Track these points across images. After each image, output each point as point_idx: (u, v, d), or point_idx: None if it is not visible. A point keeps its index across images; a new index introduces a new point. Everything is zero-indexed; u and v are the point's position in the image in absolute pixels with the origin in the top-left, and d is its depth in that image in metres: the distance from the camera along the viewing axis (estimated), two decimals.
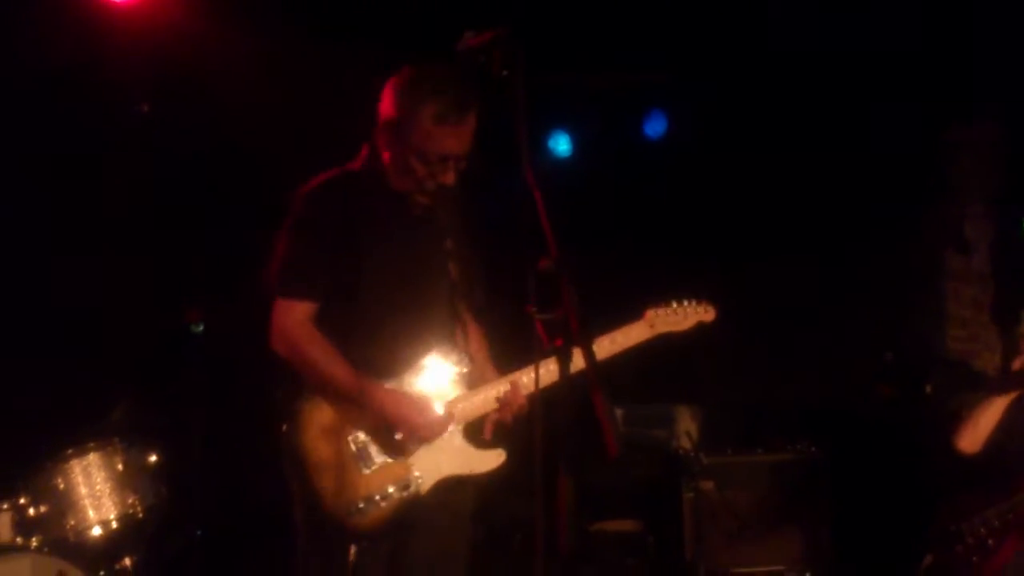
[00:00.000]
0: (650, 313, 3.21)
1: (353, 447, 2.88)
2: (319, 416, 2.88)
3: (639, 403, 5.44)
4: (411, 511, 2.88)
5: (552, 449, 2.38)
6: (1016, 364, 3.72)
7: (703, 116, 5.85)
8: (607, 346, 3.08)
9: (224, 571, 4.69)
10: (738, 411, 5.60)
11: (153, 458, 3.96)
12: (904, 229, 5.63)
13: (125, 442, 3.91)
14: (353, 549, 2.81)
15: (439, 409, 2.95)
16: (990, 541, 3.59)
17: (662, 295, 3.28)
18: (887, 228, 5.59)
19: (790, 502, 4.83)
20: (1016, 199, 5.45)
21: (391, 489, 2.86)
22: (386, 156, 2.97)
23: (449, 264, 3.02)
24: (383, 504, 2.85)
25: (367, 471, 2.87)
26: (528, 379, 2.88)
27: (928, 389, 5.23)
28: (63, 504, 3.72)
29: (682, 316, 3.25)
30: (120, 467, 3.84)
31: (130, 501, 3.83)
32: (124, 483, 3.83)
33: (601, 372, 2.41)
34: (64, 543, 3.67)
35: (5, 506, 3.66)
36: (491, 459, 2.98)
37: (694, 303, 3.28)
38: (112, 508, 3.77)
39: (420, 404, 2.92)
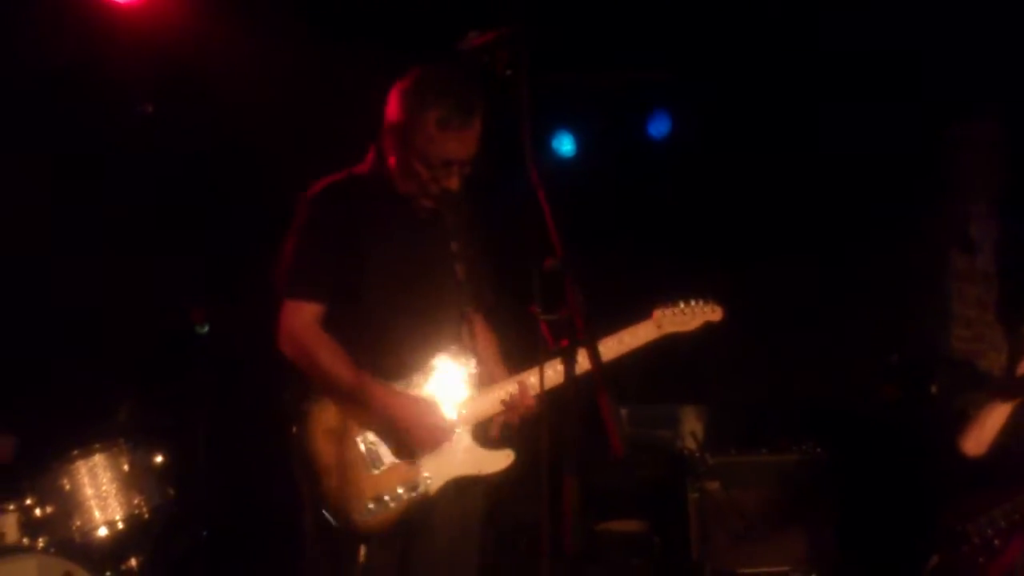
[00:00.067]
0: (657, 313, 3.22)
1: (362, 448, 2.88)
2: (328, 417, 2.89)
3: (644, 403, 5.44)
4: (420, 512, 2.89)
5: (558, 450, 2.38)
6: (1021, 369, 3.72)
7: (707, 116, 5.84)
8: (615, 346, 3.09)
9: (230, 571, 4.69)
10: (743, 411, 5.59)
11: (159, 459, 3.97)
12: (908, 229, 5.61)
13: (131, 443, 3.92)
14: (363, 550, 2.82)
15: (446, 412, 2.95)
16: (996, 542, 3.58)
17: (666, 294, 3.28)
18: (891, 228, 5.57)
19: (795, 502, 4.82)
20: (1021, 198, 5.43)
21: (400, 490, 2.87)
22: (391, 160, 2.98)
23: (455, 265, 3.03)
24: (392, 505, 2.85)
25: (376, 472, 2.87)
26: (535, 380, 2.88)
27: (933, 389, 5.22)
28: (69, 505, 3.73)
29: (689, 316, 3.25)
30: (126, 468, 3.86)
31: (136, 502, 3.84)
32: (130, 484, 3.84)
33: (606, 372, 2.41)
34: (70, 544, 3.69)
35: (12, 507, 3.67)
36: (499, 460, 2.98)
37: (701, 303, 3.28)
38: (118, 509, 3.79)
39: (427, 407, 2.92)
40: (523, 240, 2.46)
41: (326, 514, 2.83)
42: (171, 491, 3.99)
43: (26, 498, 3.70)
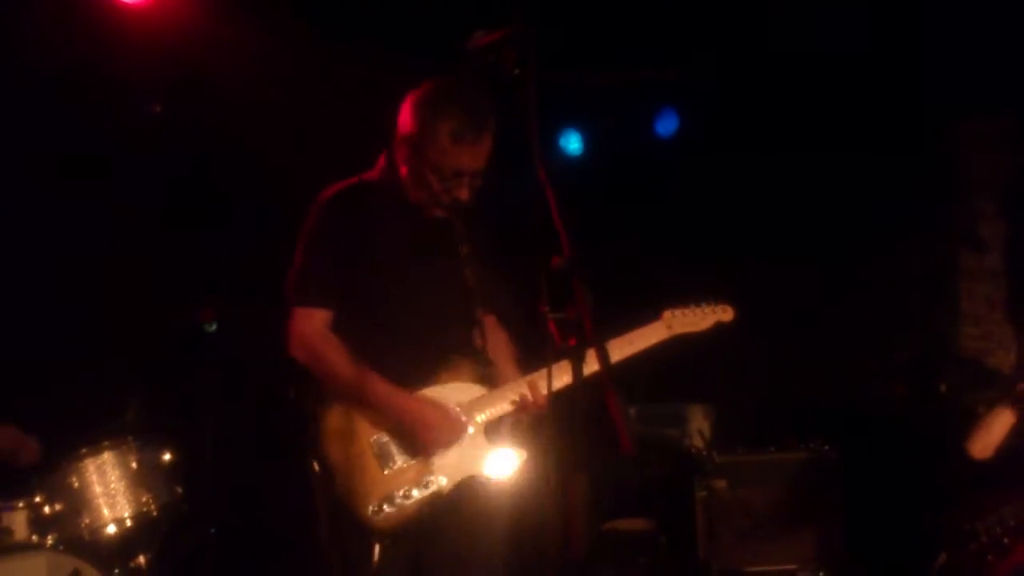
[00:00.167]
0: (667, 314, 3.22)
1: (374, 448, 2.90)
2: (340, 419, 2.91)
3: (652, 402, 5.44)
4: (433, 511, 2.91)
5: (565, 448, 2.38)
6: None
7: (714, 114, 5.83)
8: (624, 347, 3.10)
9: (238, 569, 4.70)
10: (750, 410, 5.59)
11: (167, 457, 3.98)
12: (917, 228, 5.60)
13: (139, 441, 3.93)
14: (377, 549, 2.83)
15: (457, 413, 2.96)
16: (1006, 540, 3.58)
17: (674, 293, 3.28)
18: (901, 227, 5.57)
19: (803, 501, 4.81)
20: None
21: (413, 490, 2.88)
22: (403, 169, 3.00)
23: (465, 269, 3.03)
24: (405, 504, 2.87)
25: (388, 472, 2.89)
26: (545, 380, 2.88)
27: (942, 387, 5.21)
28: (78, 502, 3.74)
29: (700, 317, 3.25)
30: (134, 465, 3.86)
31: (144, 499, 3.85)
32: (138, 481, 3.85)
33: (614, 371, 2.41)
34: (79, 541, 3.69)
35: (21, 504, 3.68)
36: (512, 459, 2.99)
37: (712, 303, 3.28)
38: (126, 506, 3.80)
39: (438, 408, 2.94)
40: (531, 239, 2.46)
41: (339, 513, 2.85)
42: (179, 489, 4.00)
43: (35, 496, 3.70)
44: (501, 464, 2.99)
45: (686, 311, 3.24)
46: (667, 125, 6.11)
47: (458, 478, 2.94)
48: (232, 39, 4.74)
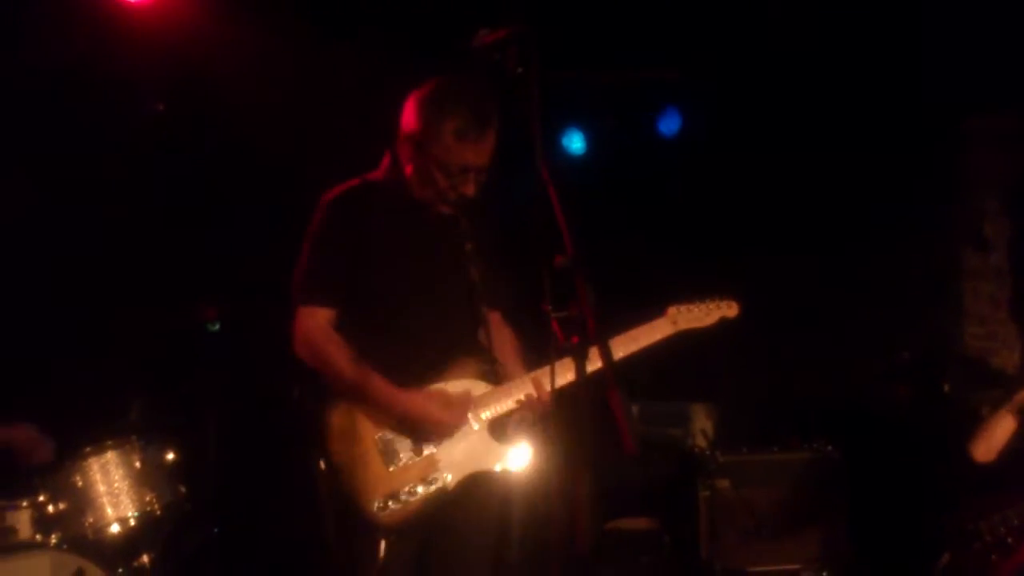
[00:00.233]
0: (672, 310, 3.22)
1: (380, 445, 2.92)
2: (346, 415, 2.92)
3: (655, 401, 5.43)
4: (438, 507, 2.92)
5: (569, 447, 2.38)
6: None
7: (717, 113, 5.83)
8: (629, 344, 3.10)
9: (241, 569, 4.71)
10: (754, 409, 5.58)
11: (171, 456, 3.98)
12: (921, 227, 5.60)
13: (143, 440, 3.93)
14: (382, 545, 2.84)
15: (458, 403, 2.97)
16: (1009, 539, 3.57)
17: (676, 292, 3.28)
18: (905, 226, 5.56)
19: (806, 500, 4.81)
20: None
21: (418, 486, 2.90)
22: (408, 167, 3.01)
23: (470, 266, 3.04)
24: (411, 500, 2.88)
25: (393, 468, 2.90)
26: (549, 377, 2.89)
27: (946, 387, 5.20)
28: (82, 502, 3.74)
29: (705, 312, 3.25)
30: (138, 465, 3.87)
31: (148, 499, 3.85)
32: (142, 481, 3.85)
33: (618, 370, 2.41)
34: (83, 540, 3.70)
35: (25, 503, 3.68)
36: (517, 455, 3.00)
37: (717, 299, 3.28)
38: (130, 505, 3.80)
39: (440, 397, 2.95)
40: (533, 238, 2.46)
41: (344, 510, 2.86)
42: (183, 488, 4.00)
43: (39, 495, 3.71)
44: (506, 460, 3.00)
45: (691, 307, 3.24)
46: (670, 124, 6.10)
47: (463, 474, 2.95)
48: (234, 39, 4.75)
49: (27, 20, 4.50)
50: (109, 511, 3.77)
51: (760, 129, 5.65)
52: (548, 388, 2.91)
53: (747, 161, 5.66)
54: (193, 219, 4.99)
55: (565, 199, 2.46)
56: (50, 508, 3.68)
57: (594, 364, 2.46)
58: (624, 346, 3.08)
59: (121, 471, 3.82)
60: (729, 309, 3.30)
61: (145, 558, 3.84)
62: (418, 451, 2.93)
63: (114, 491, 3.79)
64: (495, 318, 3.14)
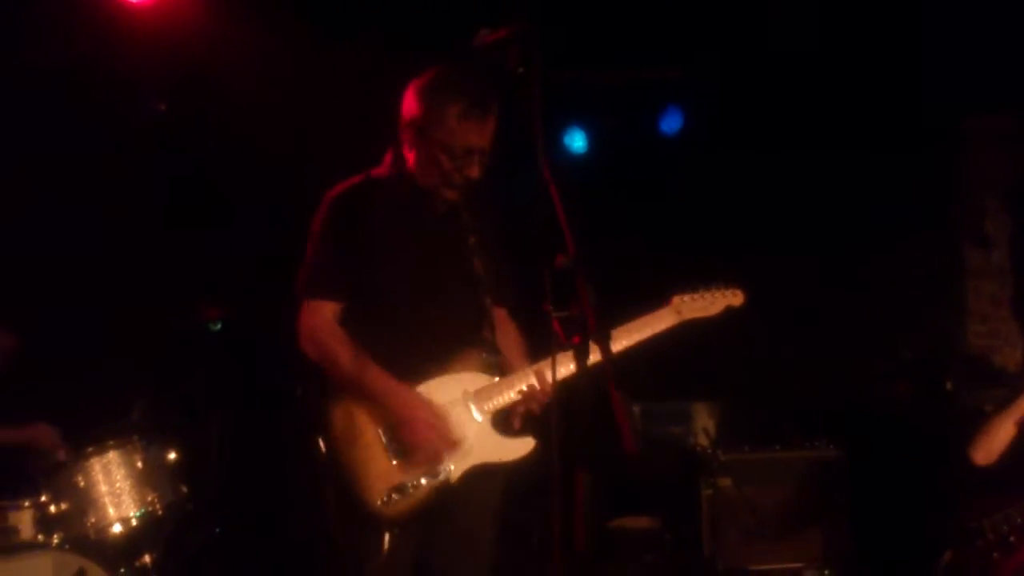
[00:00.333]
0: (676, 299, 3.19)
1: (383, 439, 2.92)
2: (350, 409, 2.93)
3: (657, 400, 5.43)
4: (442, 499, 2.92)
5: (570, 446, 2.38)
6: None
7: (719, 112, 5.83)
8: (634, 333, 3.07)
9: (243, 568, 4.71)
10: (756, 408, 5.58)
11: (172, 456, 3.99)
12: (923, 225, 5.59)
13: (144, 440, 3.94)
14: (387, 537, 2.85)
15: (460, 407, 2.97)
16: (1012, 538, 3.57)
17: (679, 289, 3.26)
18: (907, 224, 5.56)
19: (809, 499, 4.81)
20: None
21: (422, 478, 2.90)
22: (411, 156, 3.03)
23: (474, 259, 3.04)
24: (415, 493, 2.89)
25: (397, 461, 2.90)
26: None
27: (948, 386, 5.20)
28: (84, 502, 3.75)
29: (709, 301, 3.22)
30: (140, 465, 3.88)
31: (150, 498, 3.86)
32: (144, 481, 3.86)
33: (618, 367, 2.41)
34: (85, 540, 3.71)
35: (27, 503, 3.69)
36: (520, 447, 3.00)
37: (722, 288, 3.25)
38: (132, 505, 3.81)
39: (433, 413, 2.94)
40: (535, 237, 2.46)
41: (348, 504, 2.87)
42: (184, 488, 4.01)
43: (41, 495, 3.72)
44: (509, 453, 2.99)
45: (695, 296, 3.20)
46: (671, 123, 6.10)
47: (466, 466, 2.95)
48: (235, 39, 4.75)
49: (28, 20, 4.50)
50: (111, 511, 3.78)
51: (761, 129, 5.65)
52: (549, 379, 2.91)
53: (748, 160, 5.66)
54: (194, 219, 4.99)
55: (567, 198, 2.46)
56: (52, 508, 3.69)
57: (596, 357, 2.46)
58: (628, 336, 3.05)
59: (123, 471, 3.83)
60: (735, 298, 3.26)
61: (147, 558, 3.85)
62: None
63: (116, 491, 3.80)
64: (500, 314, 3.14)
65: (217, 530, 4.36)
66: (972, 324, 5.59)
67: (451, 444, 2.93)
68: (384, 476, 2.88)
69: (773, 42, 5.30)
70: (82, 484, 3.75)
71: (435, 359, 2.99)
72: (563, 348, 2.48)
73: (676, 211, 5.90)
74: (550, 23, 2.84)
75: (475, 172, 2.98)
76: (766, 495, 4.81)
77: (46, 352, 4.41)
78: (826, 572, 4.75)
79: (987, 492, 3.70)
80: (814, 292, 5.60)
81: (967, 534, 3.65)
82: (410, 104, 3.01)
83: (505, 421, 3.02)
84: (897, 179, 5.51)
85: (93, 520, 3.74)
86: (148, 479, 3.88)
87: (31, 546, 3.61)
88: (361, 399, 2.92)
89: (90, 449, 3.83)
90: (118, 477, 3.82)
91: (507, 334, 3.14)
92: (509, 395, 3.00)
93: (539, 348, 2.96)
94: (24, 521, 3.66)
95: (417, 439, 2.90)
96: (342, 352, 2.93)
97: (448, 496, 2.93)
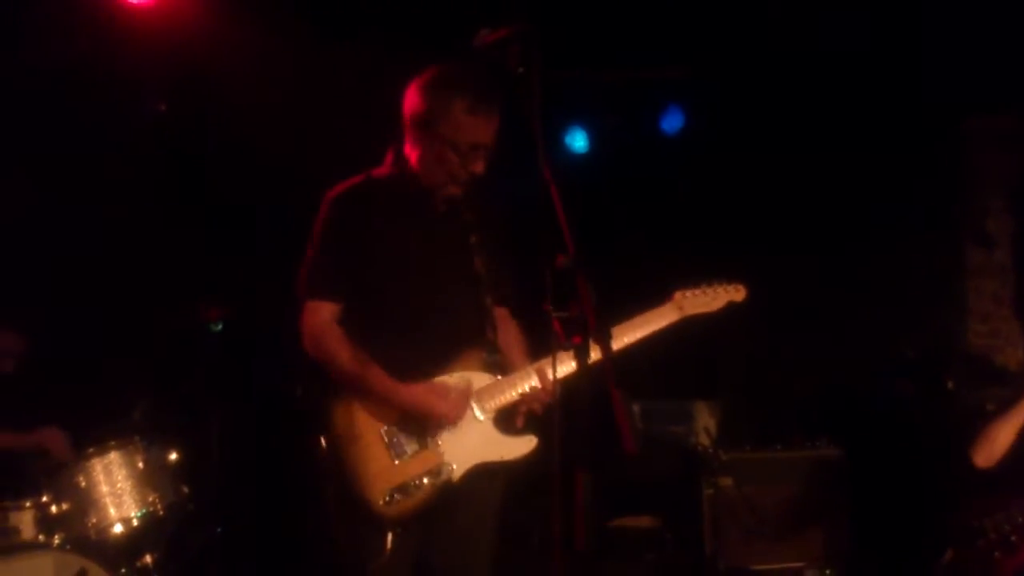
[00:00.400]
0: (678, 295, 3.18)
1: (385, 438, 2.93)
2: (351, 409, 2.93)
3: (657, 399, 5.43)
4: (443, 499, 2.93)
5: (571, 446, 2.38)
6: None
7: (720, 112, 5.82)
8: (635, 330, 3.07)
9: (244, 569, 4.71)
10: (757, 407, 5.58)
11: (173, 456, 3.99)
12: (924, 224, 5.59)
13: (146, 440, 3.94)
14: (389, 537, 2.85)
15: (458, 393, 2.98)
16: (1013, 538, 3.56)
17: (681, 284, 3.25)
18: (908, 224, 5.55)
19: (810, 498, 4.81)
20: None
21: (424, 478, 2.91)
22: (415, 154, 3.03)
23: (475, 259, 3.04)
24: (416, 492, 2.89)
25: (399, 461, 2.91)
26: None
27: (949, 384, 5.20)
28: (85, 502, 3.75)
29: (711, 297, 3.21)
30: (141, 465, 3.88)
31: (151, 499, 3.86)
32: (145, 481, 3.86)
33: (619, 366, 2.41)
34: (86, 540, 3.71)
35: (28, 504, 3.70)
36: (522, 445, 3.00)
37: (724, 283, 3.24)
38: (133, 506, 3.81)
39: (440, 389, 2.96)
40: (535, 237, 2.46)
41: (351, 504, 2.87)
42: (185, 488, 4.01)
43: (42, 495, 3.72)
44: (511, 451, 3.00)
45: (697, 291, 3.19)
46: (672, 123, 6.09)
47: (468, 465, 2.96)
48: (235, 39, 4.75)
49: (29, 20, 4.51)
50: (112, 511, 3.78)
51: (762, 128, 5.64)
52: (552, 381, 2.91)
53: (749, 160, 5.66)
54: (194, 219, 4.99)
55: (568, 198, 2.46)
56: (53, 508, 3.69)
57: (597, 355, 2.46)
58: (630, 332, 3.05)
59: (124, 471, 3.83)
60: (736, 293, 3.25)
61: (148, 558, 3.85)
62: (423, 443, 2.94)
63: (117, 491, 3.80)
64: (502, 313, 3.15)
65: (218, 530, 4.36)
66: (973, 323, 5.59)
67: (463, 404, 2.93)
68: (386, 476, 2.88)
69: (774, 41, 5.30)
70: (83, 484, 3.76)
71: (436, 359, 3.00)
72: (563, 348, 2.48)
73: (677, 211, 5.90)
74: (550, 22, 2.84)
75: (480, 168, 2.98)
76: (767, 494, 4.81)
77: (49, 353, 4.41)
78: (827, 571, 4.75)
79: (988, 491, 3.69)
80: (814, 292, 5.60)
81: (968, 533, 3.64)
82: (414, 101, 3.00)
83: (507, 420, 3.03)
84: (898, 179, 5.51)
85: (94, 520, 3.74)
86: (149, 479, 3.88)
87: (32, 546, 3.61)
88: (363, 399, 2.93)
89: (91, 449, 3.83)
90: (119, 477, 3.82)
91: (508, 333, 3.14)
92: (511, 394, 3.00)
93: (540, 348, 2.96)
94: (25, 521, 3.67)
95: (430, 418, 2.91)
96: (342, 352, 2.94)
97: (450, 496, 2.94)
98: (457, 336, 3.02)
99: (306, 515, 4.32)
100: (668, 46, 5.34)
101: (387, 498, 2.86)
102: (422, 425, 2.94)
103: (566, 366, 2.66)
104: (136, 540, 3.83)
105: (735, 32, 5.28)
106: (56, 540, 3.64)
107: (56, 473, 3.78)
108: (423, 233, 3.05)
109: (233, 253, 4.96)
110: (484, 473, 2.98)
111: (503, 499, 3.10)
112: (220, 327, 4.47)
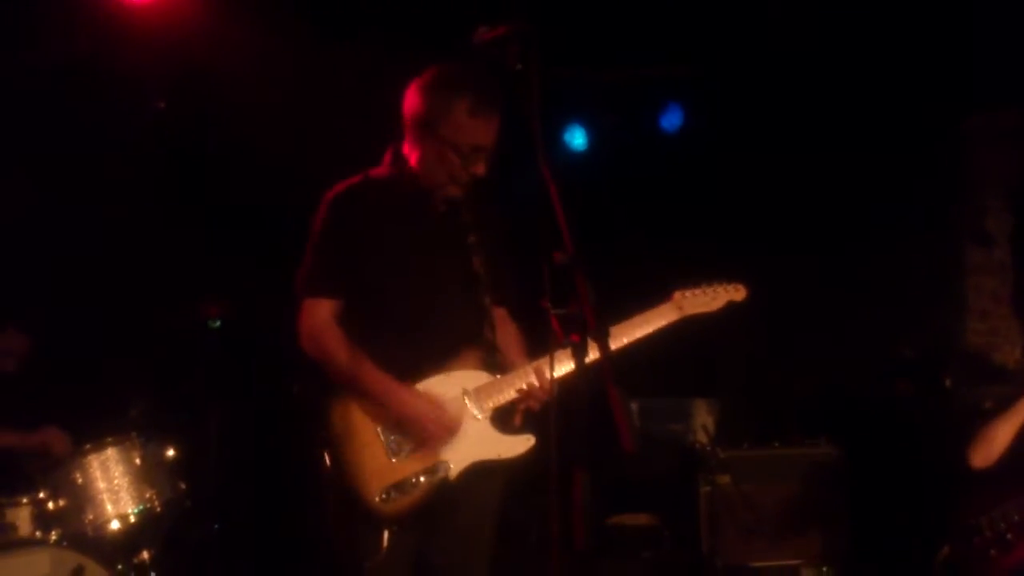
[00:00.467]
0: (677, 295, 3.18)
1: (382, 436, 2.93)
2: (348, 407, 2.94)
3: (656, 397, 5.43)
4: (440, 497, 2.93)
5: (569, 444, 2.38)
6: None
7: (719, 110, 5.82)
8: (634, 330, 3.07)
9: (241, 565, 4.72)
10: (755, 405, 5.58)
11: (171, 452, 3.99)
12: (923, 223, 5.59)
13: (143, 437, 3.95)
14: (386, 535, 2.86)
15: (454, 403, 2.98)
16: (1009, 536, 3.57)
17: (680, 284, 3.25)
18: (906, 222, 5.55)
19: (807, 496, 4.81)
20: None
21: (421, 476, 2.91)
22: (414, 155, 3.03)
23: (473, 258, 3.04)
24: (413, 491, 2.90)
25: (396, 460, 2.91)
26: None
27: (947, 382, 5.20)
28: (82, 498, 3.76)
29: (711, 296, 3.20)
30: (138, 461, 3.88)
31: (148, 495, 3.86)
32: (142, 477, 3.86)
33: (617, 365, 2.41)
34: (83, 537, 3.71)
35: (25, 500, 3.70)
36: (519, 444, 3.01)
37: (724, 283, 3.24)
38: (130, 502, 3.81)
39: (434, 405, 2.96)
40: (534, 235, 2.46)
41: (347, 502, 2.88)
42: (183, 485, 4.01)
43: (39, 491, 3.72)
44: (508, 450, 3.00)
45: (697, 291, 3.18)
46: (672, 121, 6.09)
47: (465, 464, 2.96)
48: (234, 38, 4.75)
49: (28, 19, 4.50)
50: (109, 508, 3.78)
51: (761, 127, 5.64)
52: (549, 379, 2.91)
53: (748, 159, 5.66)
54: (193, 218, 4.99)
55: (566, 196, 2.46)
56: (50, 505, 3.69)
57: (595, 354, 2.46)
58: (629, 332, 3.05)
59: (121, 468, 3.84)
60: (736, 292, 3.24)
61: (145, 555, 3.85)
62: (418, 445, 2.94)
63: (114, 488, 3.80)
64: (501, 314, 3.15)
65: (215, 527, 4.36)
66: (972, 321, 5.59)
67: (453, 430, 2.93)
68: (382, 474, 2.89)
69: (774, 40, 5.30)
70: (80, 481, 3.76)
71: (434, 358, 3.00)
72: (562, 346, 2.48)
73: (676, 209, 5.90)
74: (549, 20, 2.84)
75: (481, 169, 2.98)
76: (765, 492, 4.82)
77: (50, 353, 4.41)
78: (824, 569, 4.76)
79: (985, 489, 3.70)
80: (813, 290, 5.60)
81: (965, 531, 3.65)
82: (414, 101, 3.00)
83: (504, 419, 3.03)
84: (898, 179, 5.51)
85: (91, 517, 3.74)
86: (146, 476, 3.88)
87: (29, 543, 3.61)
88: (360, 398, 2.93)
89: (88, 446, 3.83)
90: (116, 474, 3.82)
91: (507, 333, 3.14)
92: (508, 393, 3.00)
93: (539, 347, 2.96)
94: (22, 518, 3.67)
95: (420, 431, 2.91)
96: (340, 351, 2.94)
97: (448, 494, 2.94)
98: (455, 336, 3.02)
99: (303, 512, 4.32)
100: (668, 44, 5.34)
101: (383, 496, 2.86)
102: (407, 432, 2.93)
103: (564, 367, 2.67)
104: (133, 536, 3.83)
105: (735, 31, 5.28)
106: (53, 536, 3.64)
107: (53, 469, 3.78)
108: (422, 233, 3.05)
109: (232, 251, 4.95)
110: (483, 472, 2.98)
111: (503, 499, 3.10)
112: (218, 324, 4.48)
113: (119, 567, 3.70)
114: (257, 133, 4.90)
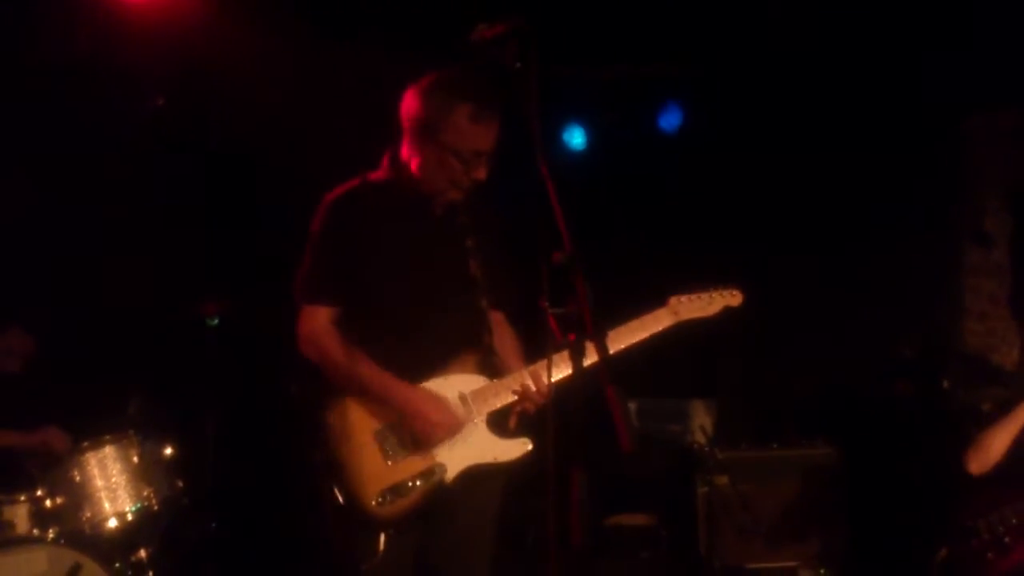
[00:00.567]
0: (674, 300, 3.18)
1: (379, 439, 2.93)
2: (345, 410, 2.94)
3: (653, 397, 5.43)
4: (437, 500, 2.94)
5: (566, 444, 2.38)
6: None
7: (718, 110, 5.82)
8: (631, 335, 3.07)
9: (239, 563, 4.71)
10: (753, 406, 5.58)
11: (168, 451, 4.00)
12: (921, 223, 5.59)
13: (140, 435, 3.95)
14: (382, 538, 2.86)
15: (456, 406, 2.98)
16: (1006, 538, 3.57)
17: (675, 289, 3.25)
18: (905, 223, 5.55)
19: (805, 497, 4.81)
20: None
21: (417, 479, 2.92)
22: (414, 159, 3.02)
23: (470, 262, 3.04)
24: (410, 494, 2.90)
25: (392, 463, 2.92)
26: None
27: (945, 384, 5.20)
28: (79, 496, 3.76)
29: (707, 302, 3.20)
30: (135, 460, 3.88)
31: (145, 493, 3.86)
32: (139, 475, 3.87)
33: (615, 365, 2.41)
34: (80, 535, 3.71)
35: (22, 498, 3.70)
36: (515, 448, 3.01)
37: (720, 288, 3.24)
38: (128, 500, 3.82)
39: (438, 402, 2.96)
40: (532, 234, 2.46)
41: (344, 504, 2.88)
42: (180, 483, 4.02)
43: (37, 489, 3.73)
44: (504, 454, 3.00)
45: (692, 297, 3.19)
46: (671, 120, 6.09)
47: (461, 467, 2.96)
48: (234, 38, 4.74)
49: (28, 18, 4.50)
50: (107, 506, 3.79)
51: (761, 127, 5.64)
52: (546, 381, 2.91)
53: (747, 159, 5.66)
54: (192, 215, 4.99)
55: (565, 195, 2.46)
56: (48, 503, 3.70)
57: (592, 358, 2.46)
58: (625, 337, 3.05)
59: (119, 466, 3.84)
60: (732, 298, 3.24)
61: (143, 552, 3.86)
62: (417, 445, 2.94)
63: (112, 486, 3.80)
64: (498, 318, 3.15)
65: (213, 525, 4.36)
66: (970, 322, 5.59)
67: (455, 428, 2.93)
68: (379, 476, 2.89)
69: (773, 40, 5.30)
70: (78, 479, 3.76)
71: (432, 361, 3.00)
72: (559, 345, 2.48)
73: (675, 209, 5.90)
74: (548, 19, 2.83)
75: (482, 174, 2.98)
76: (763, 493, 4.81)
77: (51, 352, 4.41)
78: (822, 571, 4.76)
79: (983, 492, 3.70)
80: (812, 290, 5.60)
81: (962, 533, 3.65)
82: (415, 107, 2.99)
83: (501, 422, 3.03)
84: (897, 179, 5.51)
85: (89, 515, 3.75)
86: (144, 474, 3.88)
87: (26, 540, 3.61)
88: (357, 400, 2.93)
89: (86, 444, 3.84)
90: (114, 472, 3.83)
91: (504, 337, 3.14)
92: (505, 396, 3.01)
93: (536, 350, 2.96)
94: (20, 515, 3.67)
95: (422, 426, 2.91)
96: (338, 352, 2.95)
97: (445, 498, 2.94)
98: (453, 339, 3.03)
99: (301, 511, 4.32)
100: (667, 43, 5.34)
101: (380, 499, 2.86)
102: (415, 428, 2.93)
103: (562, 371, 2.66)
104: (130, 534, 3.84)
105: (734, 30, 5.28)
106: (50, 534, 3.65)
107: (51, 467, 3.78)
108: (420, 236, 3.05)
109: (230, 250, 4.95)
110: (481, 475, 2.98)
111: (503, 501, 3.10)
112: (216, 323, 4.48)
113: (116, 565, 3.71)
114: (257, 133, 4.90)
